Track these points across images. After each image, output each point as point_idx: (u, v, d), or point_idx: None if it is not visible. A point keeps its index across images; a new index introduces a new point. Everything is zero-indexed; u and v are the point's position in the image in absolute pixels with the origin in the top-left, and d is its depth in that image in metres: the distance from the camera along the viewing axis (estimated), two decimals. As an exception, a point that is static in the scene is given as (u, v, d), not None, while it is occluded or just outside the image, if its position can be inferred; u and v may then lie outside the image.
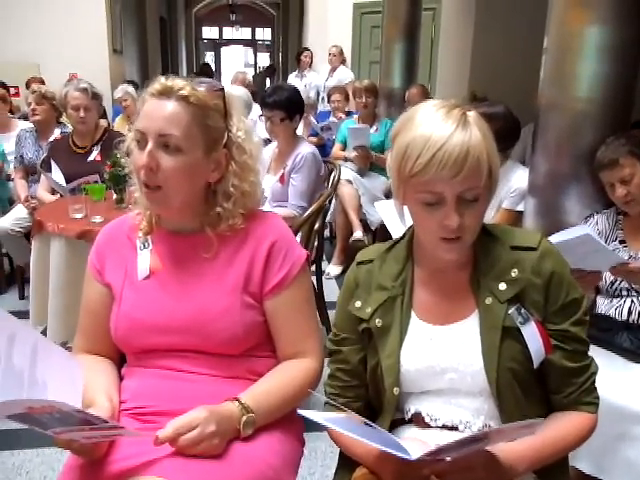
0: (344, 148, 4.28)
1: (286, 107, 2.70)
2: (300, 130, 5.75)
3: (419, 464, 0.88)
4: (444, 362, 1.03)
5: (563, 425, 1.02)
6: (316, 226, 2.14)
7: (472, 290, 1.04)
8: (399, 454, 0.84)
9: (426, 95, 4.20)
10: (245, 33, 20.32)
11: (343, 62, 6.85)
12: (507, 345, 0.99)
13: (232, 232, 1.19)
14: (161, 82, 1.12)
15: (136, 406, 1.15)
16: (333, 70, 6.77)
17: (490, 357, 0.99)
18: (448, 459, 0.88)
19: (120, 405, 1.16)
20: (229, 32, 19.81)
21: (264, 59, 19.58)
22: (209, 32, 20.07)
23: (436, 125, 0.95)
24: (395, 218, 1.34)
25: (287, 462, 1.13)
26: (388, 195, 3.92)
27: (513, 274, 1.01)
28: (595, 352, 1.78)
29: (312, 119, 5.53)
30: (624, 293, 1.87)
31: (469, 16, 4.85)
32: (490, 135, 0.98)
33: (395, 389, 1.06)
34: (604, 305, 1.91)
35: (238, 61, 21.79)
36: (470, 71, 4.78)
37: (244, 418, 1.07)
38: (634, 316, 1.82)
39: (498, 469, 0.92)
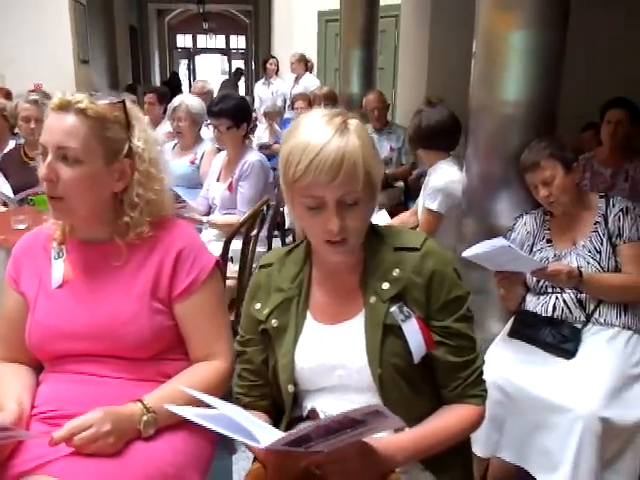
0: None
1: (232, 115, 2.74)
2: (266, 137, 5.83)
3: (298, 456, 0.93)
4: (333, 360, 1.08)
5: (448, 417, 1.07)
6: (253, 232, 2.17)
7: (361, 290, 1.09)
8: (247, 441, 0.89)
9: (382, 101, 4.26)
10: (220, 41, 20.34)
11: (309, 69, 6.91)
12: (389, 342, 1.04)
13: (141, 240, 1.23)
14: (60, 97, 1.16)
15: (47, 410, 1.18)
16: (298, 78, 6.82)
17: (373, 354, 1.04)
18: (326, 450, 0.92)
19: (32, 410, 1.18)
20: (203, 40, 19.81)
21: (239, 67, 19.62)
22: (183, 40, 20.05)
23: (315, 132, 1.00)
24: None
25: (191, 460, 1.16)
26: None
27: (395, 274, 1.06)
28: (520, 347, 1.87)
29: (276, 126, 5.58)
30: (549, 290, 1.94)
31: (425, 22, 4.94)
32: (370, 142, 1.04)
33: (290, 386, 1.10)
34: (532, 302, 1.97)
35: (214, 69, 21.77)
36: (427, 76, 4.87)
37: (144, 418, 1.11)
38: (558, 312, 1.89)
39: (375, 459, 0.96)
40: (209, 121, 2.94)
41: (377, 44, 4.78)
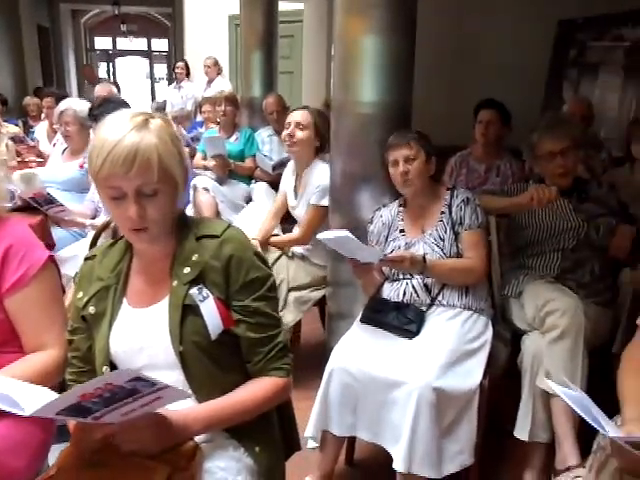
0: (205, 157, 4.37)
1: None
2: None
3: (91, 428, 1.00)
4: (142, 341, 1.16)
5: (251, 389, 1.17)
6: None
7: (169, 276, 1.18)
8: (10, 409, 0.97)
9: (281, 104, 4.36)
10: (142, 44, 19.90)
11: (219, 73, 6.93)
12: (189, 321, 1.14)
13: None
14: None
15: None
16: (210, 81, 6.83)
17: (174, 333, 1.14)
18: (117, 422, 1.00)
19: None
20: (124, 43, 19.34)
21: (161, 70, 19.28)
22: (102, 42, 19.49)
23: (114, 129, 1.09)
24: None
25: (14, 446, 1.21)
26: (248, 202, 4.05)
27: (194, 258, 1.16)
28: (369, 332, 2.01)
29: (182, 130, 5.58)
30: (401, 277, 2.09)
31: (324, 27, 5.10)
32: (170, 140, 1.12)
33: (104, 368, 1.18)
34: (386, 289, 2.12)
35: (137, 72, 21.27)
36: (326, 79, 5.03)
37: None
38: (407, 297, 2.04)
39: (169, 429, 1.04)
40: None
41: (277, 48, 4.88)
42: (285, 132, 2.69)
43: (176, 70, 7.10)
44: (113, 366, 1.19)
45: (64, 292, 2.00)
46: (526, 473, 2.01)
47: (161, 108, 7.77)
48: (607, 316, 2.15)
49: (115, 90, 5.41)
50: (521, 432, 1.98)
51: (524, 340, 2.05)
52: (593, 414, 1.14)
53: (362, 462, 2.20)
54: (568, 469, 1.79)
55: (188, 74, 7.17)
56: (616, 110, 4.22)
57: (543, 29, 4.44)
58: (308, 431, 1.93)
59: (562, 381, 1.47)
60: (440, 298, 2.01)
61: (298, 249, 2.74)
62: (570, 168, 2.19)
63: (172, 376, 1.15)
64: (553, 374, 1.87)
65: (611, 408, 1.34)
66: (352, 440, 2.14)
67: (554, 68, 4.63)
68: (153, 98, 16.06)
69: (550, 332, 1.93)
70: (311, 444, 1.97)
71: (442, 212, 2.09)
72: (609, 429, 1.12)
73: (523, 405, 1.99)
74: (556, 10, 4.31)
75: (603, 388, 1.41)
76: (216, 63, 6.78)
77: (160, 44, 19.32)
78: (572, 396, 1.21)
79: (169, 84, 8.99)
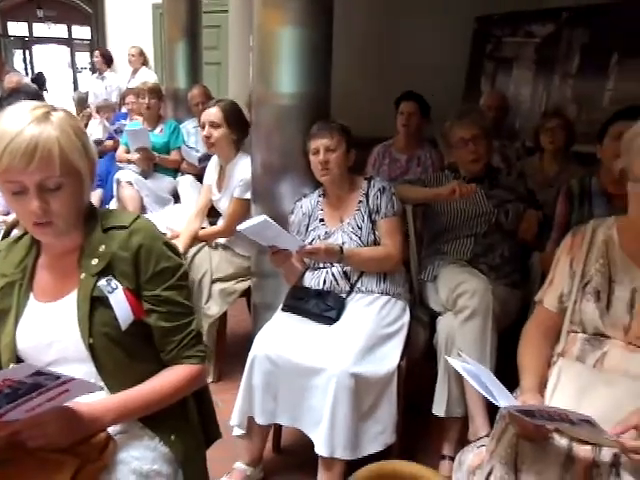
0: (129, 150, 4.26)
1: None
2: (99, 133, 5.63)
3: None
4: (51, 336, 1.15)
5: (164, 377, 1.19)
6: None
7: (77, 269, 1.17)
8: None
9: (206, 95, 4.31)
10: (62, 30, 18.97)
11: (145, 63, 6.75)
12: (99, 313, 1.13)
13: None
14: None
15: None
16: (135, 72, 6.64)
17: (84, 326, 1.13)
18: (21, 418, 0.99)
19: None
20: (42, 29, 18.36)
21: (84, 58, 18.45)
22: (17, 28, 18.42)
23: (13, 122, 1.06)
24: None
25: None
26: (175, 195, 3.99)
27: (101, 249, 1.16)
28: (291, 320, 2.05)
29: (105, 122, 5.41)
30: (321, 265, 2.14)
31: (249, 17, 5.05)
32: (73, 133, 1.10)
33: (11, 365, 1.15)
34: (308, 277, 2.17)
35: (58, 61, 20.29)
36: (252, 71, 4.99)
37: None
38: (327, 284, 2.10)
39: (77, 421, 1.04)
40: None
41: (202, 38, 4.80)
42: (202, 133, 2.69)
43: (94, 59, 6.86)
44: (21, 363, 1.17)
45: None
46: (444, 446, 2.12)
47: (83, 99, 7.48)
48: (516, 297, 2.29)
49: (28, 80, 5.17)
50: (438, 409, 2.08)
51: (439, 321, 2.15)
52: (487, 386, 1.23)
53: (289, 448, 2.25)
54: (479, 440, 1.90)
55: (109, 64, 6.92)
56: (529, 102, 4.44)
57: (462, 24, 4.60)
58: (233, 419, 1.96)
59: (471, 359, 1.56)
60: (359, 285, 2.08)
61: (221, 239, 2.75)
62: (481, 155, 2.30)
63: (83, 369, 1.14)
64: (464, 352, 1.98)
65: (518, 382, 1.44)
66: (278, 427, 2.18)
67: (473, 62, 4.81)
68: (75, 88, 15.40)
69: (461, 312, 2.04)
70: (237, 431, 1.99)
71: (360, 201, 2.16)
72: (501, 400, 1.21)
73: (439, 383, 2.09)
74: (473, 6, 4.47)
75: (513, 364, 1.51)
76: (141, 53, 6.60)
77: (82, 32, 18.49)
78: (469, 370, 1.29)
79: (92, 74, 8.67)
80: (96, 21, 14.53)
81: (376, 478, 1.50)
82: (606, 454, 1.20)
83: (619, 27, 3.76)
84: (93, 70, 10.58)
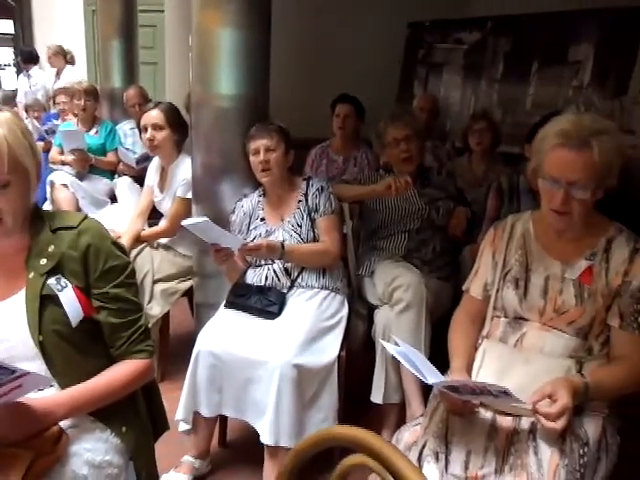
0: (62, 152, 4.17)
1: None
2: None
3: None
4: None
5: (114, 372, 1.23)
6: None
7: (25, 269, 1.19)
8: None
9: (143, 96, 4.27)
10: (-18, 25, 18.02)
11: (70, 62, 6.55)
12: (49, 311, 1.16)
13: None
14: None
15: None
16: (59, 72, 6.44)
17: (33, 324, 1.15)
18: None
19: None
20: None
21: (7, 54, 17.63)
22: None
23: None
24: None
25: None
26: (112, 197, 3.94)
27: (50, 249, 1.19)
28: (233, 316, 2.11)
29: (35, 122, 5.25)
30: (263, 262, 2.21)
31: (186, 17, 5.04)
32: (20, 132, 1.13)
33: None
34: (250, 275, 2.23)
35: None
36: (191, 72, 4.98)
37: None
38: (269, 281, 2.17)
39: (29, 416, 1.07)
40: None
41: (137, 37, 4.75)
42: (145, 136, 2.69)
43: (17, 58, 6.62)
44: None
45: None
46: (383, 432, 2.23)
47: (9, 97, 7.20)
48: (448, 289, 2.43)
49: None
50: (376, 396, 2.20)
51: (376, 314, 2.26)
52: (417, 365, 1.34)
53: (235, 442, 2.30)
54: (414, 420, 2.03)
55: (30, 61, 6.66)
56: (458, 105, 4.67)
57: (395, 29, 4.77)
58: (179, 414, 1.99)
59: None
60: (299, 280, 2.16)
61: (163, 240, 2.77)
62: (413, 154, 2.43)
63: (32, 367, 1.15)
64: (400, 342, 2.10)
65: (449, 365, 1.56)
66: (224, 421, 2.23)
67: (406, 66, 5.01)
68: (-1, 86, 14.66)
69: (397, 305, 2.16)
70: (183, 427, 2.03)
71: (299, 201, 2.24)
72: (430, 378, 1.33)
73: (377, 372, 2.20)
74: (406, 12, 4.65)
75: (446, 351, 1.63)
76: (59, 52, 6.37)
77: (4, 26, 17.64)
78: (400, 351, 1.40)
79: (17, 71, 8.33)
80: (21, 15, 13.93)
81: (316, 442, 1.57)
82: (525, 423, 1.35)
83: (539, 37, 4.03)
84: (18, 67, 10.16)
